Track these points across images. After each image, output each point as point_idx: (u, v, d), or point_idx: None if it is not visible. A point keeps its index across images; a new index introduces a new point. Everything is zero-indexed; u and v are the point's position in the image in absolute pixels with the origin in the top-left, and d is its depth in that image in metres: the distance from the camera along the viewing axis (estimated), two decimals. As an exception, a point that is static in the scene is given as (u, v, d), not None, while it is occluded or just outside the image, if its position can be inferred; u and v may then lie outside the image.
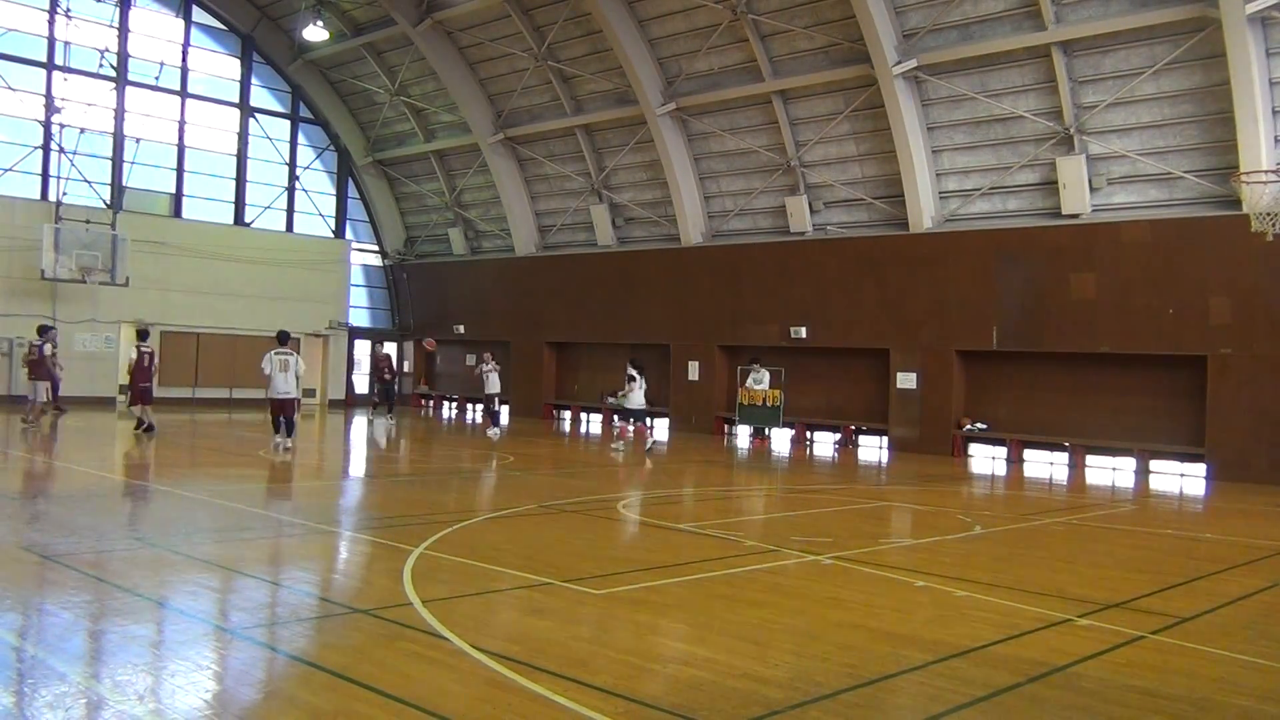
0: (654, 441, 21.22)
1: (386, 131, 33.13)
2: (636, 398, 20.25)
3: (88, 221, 26.87)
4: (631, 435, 20.63)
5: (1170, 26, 18.29)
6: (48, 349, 19.89)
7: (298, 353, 17.64)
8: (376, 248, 35.08)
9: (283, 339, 16.99)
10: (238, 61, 31.54)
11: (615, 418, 22.40)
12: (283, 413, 16.61)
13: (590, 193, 28.66)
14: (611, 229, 28.40)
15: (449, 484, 14.66)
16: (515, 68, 28.30)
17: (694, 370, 26.29)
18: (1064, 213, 20.29)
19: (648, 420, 21.44)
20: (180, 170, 30.17)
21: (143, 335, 20.64)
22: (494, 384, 22.12)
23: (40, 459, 15.40)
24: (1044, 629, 6.57)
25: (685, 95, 25.12)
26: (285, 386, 16.56)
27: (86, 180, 28.02)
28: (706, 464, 19.02)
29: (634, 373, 20.38)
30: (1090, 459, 20.47)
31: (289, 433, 16.68)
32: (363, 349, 34.71)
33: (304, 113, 33.14)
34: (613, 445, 20.28)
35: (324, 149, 33.64)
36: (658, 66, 25.42)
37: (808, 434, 24.84)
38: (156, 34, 29.63)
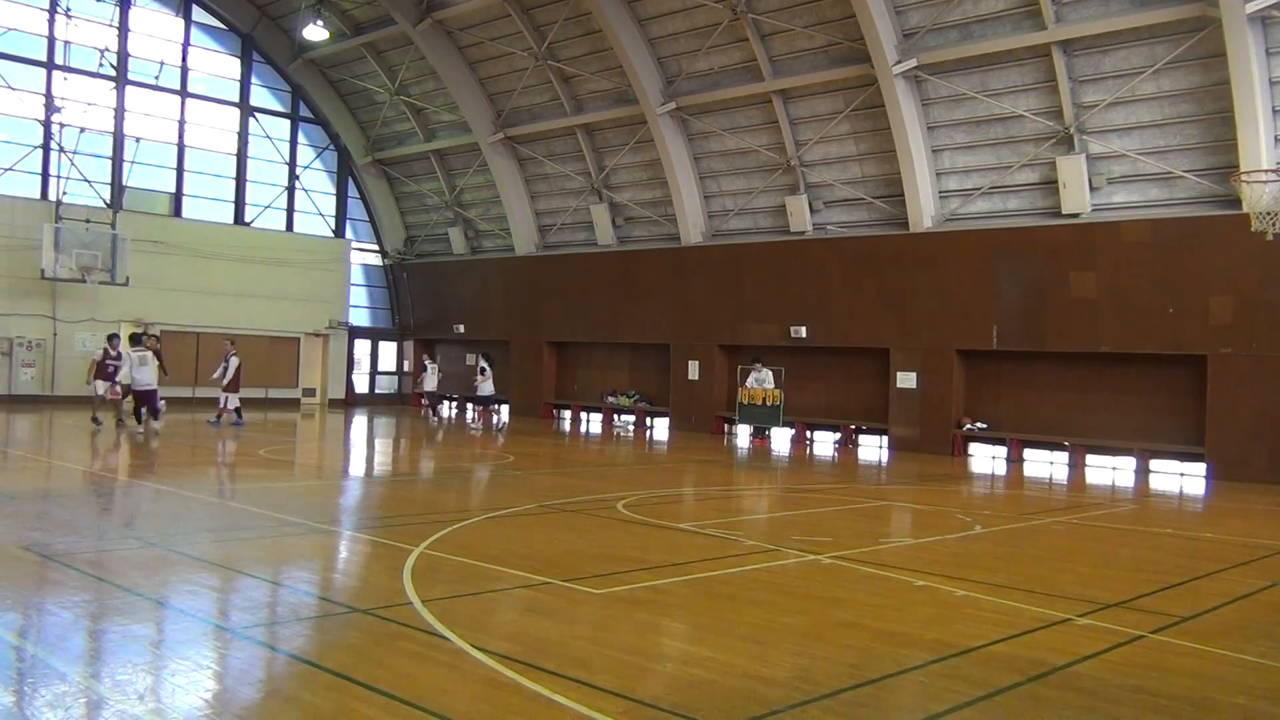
0: (501, 423, 25.59)
1: (386, 131, 33.13)
2: (486, 387, 23.70)
3: (88, 221, 26.87)
4: (495, 420, 25.07)
5: (1170, 26, 18.29)
6: (98, 354, 20.93)
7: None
8: (376, 247, 35.08)
9: (135, 340, 20.20)
10: (238, 61, 31.54)
11: (470, 405, 26.71)
12: (145, 403, 19.34)
13: (590, 192, 28.66)
14: (611, 228, 28.40)
15: (448, 483, 14.66)
16: (515, 67, 28.30)
17: (694, 370, 26.29)
18: (1064, 212, 20.29)
19: (496, 405, 25.91)
20: (180, 170, 30.17)
21: None
22: (432, 382, 25.44)
23: (50, 459, 15.41)
24: (1044, 628, 6.57)
25: (685, 95, 25.11)
26: (146, 379, 19.36)
27: (86, 180, 28.02)
28: (706, 463, 19.02)
29: (484, 365, 23.85)
30: (1090, 458, 20.47)
31: (154, 418, 19.39)
32: (363, 348, 34.76)
33: (304, 112, 33.14)
34: (470, 428, 24.14)
35: (324, 148, 33.64)
36: (658, 66, 25.42)
37: (808, 433, 24.84)
38: (156, 33, 29.62)
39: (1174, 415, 19.42)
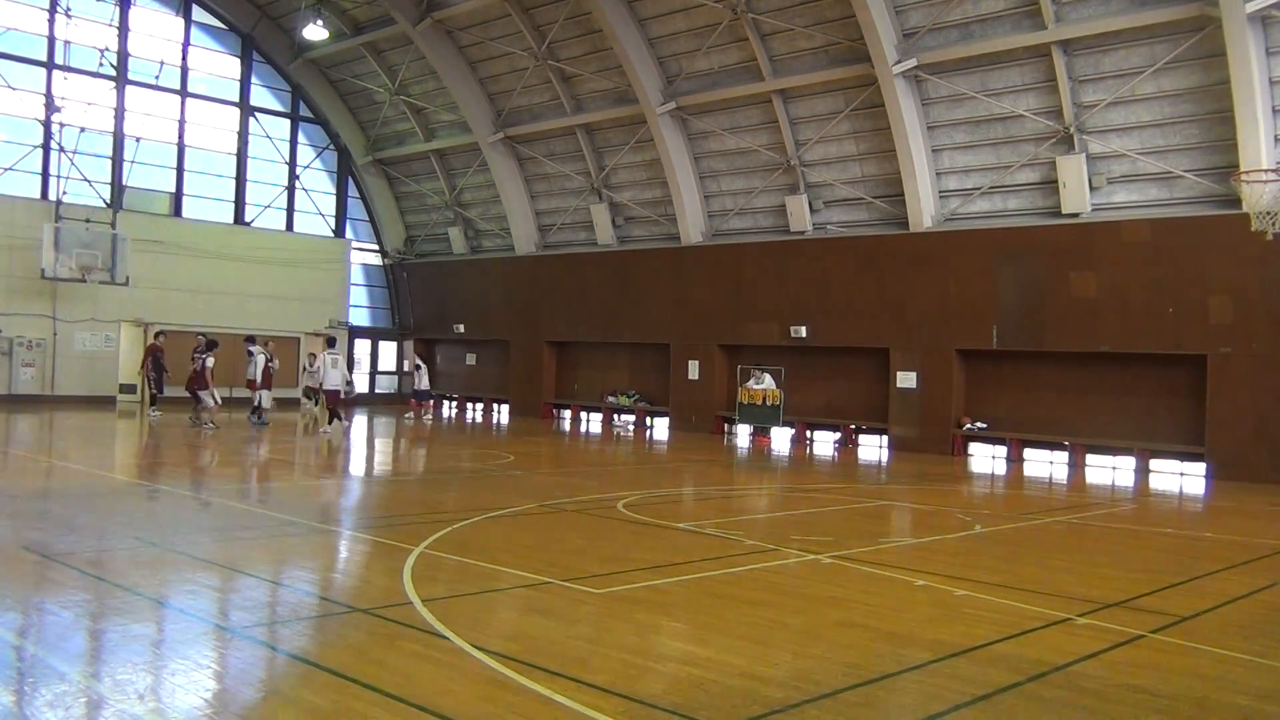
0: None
1: (386, 131, 33.13)
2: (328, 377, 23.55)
3: (88, 220, 26.88)
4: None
5: (1170, 25, 18.28)
6: (210, 361, 21.84)
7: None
8: (376, 247, 35.08)
9: (330, 342, 22.21)
10: (238, 60, 31.53)
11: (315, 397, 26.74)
12: (332, 404, 21.41)
13: (590, 192, 28.66)
14: (611, 228, 28.39)
15: (449, 483, 14.66)
16: (515, 67, 28.29)
17: (694, 370, 26.28)
18: (1064, 212, 20.29)
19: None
20: (180, 169, 30.16)
21: None
22: (332, 379, 22.59)
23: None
24: (1044, 628, 6.57)
25: (685, 94, 25.11)
26: (334, 382, 21.29)
27: (87, 179, 28.01)
28: (706, 463, 19.02)
29: (323, 360, 23.86)
30: (1090, 458, 20.47)
31: (340, 419, 21.33)
32: (363, 348, 34.74)
33: (304, 112, 33.13)
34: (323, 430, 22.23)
35: (324, 148, 33.63)
36: (658, 66, 25.41)
37: (808, 433, 24.84)
38: (156, 33, 29.61)
39: (1174, 415, 19.41)
